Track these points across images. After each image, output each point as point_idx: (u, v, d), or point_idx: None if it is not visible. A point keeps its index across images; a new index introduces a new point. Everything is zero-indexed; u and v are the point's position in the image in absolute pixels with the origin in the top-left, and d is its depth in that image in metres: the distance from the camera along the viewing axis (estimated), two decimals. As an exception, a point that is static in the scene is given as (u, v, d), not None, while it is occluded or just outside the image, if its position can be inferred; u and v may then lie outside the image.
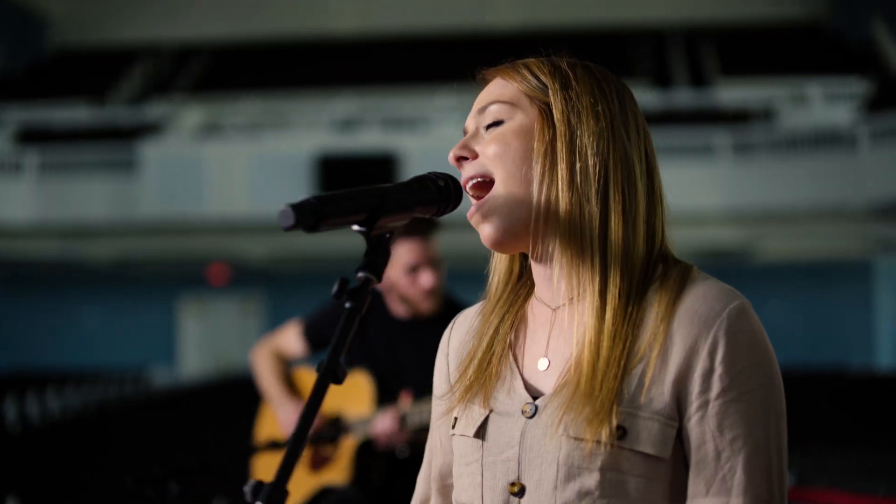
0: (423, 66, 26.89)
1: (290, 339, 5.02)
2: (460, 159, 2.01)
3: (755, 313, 1.90)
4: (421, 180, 1.93)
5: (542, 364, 1.99)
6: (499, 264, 2.13)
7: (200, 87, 28.97)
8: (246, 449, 4.45)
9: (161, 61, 31.10)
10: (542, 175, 1.93)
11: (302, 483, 4.86)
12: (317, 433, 4.73)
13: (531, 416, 1.93)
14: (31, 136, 25.82)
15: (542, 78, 2.00)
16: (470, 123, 2.05)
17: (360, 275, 1.75)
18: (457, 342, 2.18)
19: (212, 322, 27.95)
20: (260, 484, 1.52)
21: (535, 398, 1.95)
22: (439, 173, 1.96)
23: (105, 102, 28.50)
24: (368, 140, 23.29)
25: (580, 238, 1.92)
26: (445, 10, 30.67)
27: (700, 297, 1.89)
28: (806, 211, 22.00)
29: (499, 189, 1.95)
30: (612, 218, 1.92)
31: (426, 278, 4.63)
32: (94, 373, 23.72)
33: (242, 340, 26.47)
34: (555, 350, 1.98)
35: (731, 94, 25.58)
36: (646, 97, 25.77)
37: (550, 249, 1.97)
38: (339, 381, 1.65)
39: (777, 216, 22.17)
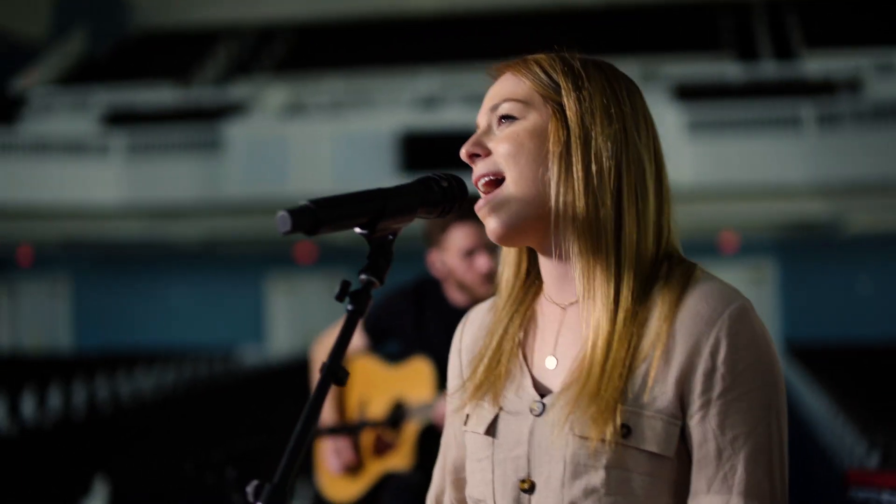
0: (506, 41, 26.77)
1: None
2: (472, 156, 2.03)
3: (757, 314, 1.93)
4: (424, 181, 1.94)
5: (551, 363, 2.02)
6: (507, 260, 2.15)
7: (283, 67, 29.07)
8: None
9: (244, 41, 31.24)
10: (559, 177, 1.95)
11: (366, 469, 4.88)
12: (380, 419, 4.75)
13: (539, 415, 1.97)
14: (117, 118, 26.04)
15: (555, 77, 2.01)
16: (482, 119, 2.07)
17: (363, 277, 1.79)
18: (469, 339, 2.21)
19: (300, 300, 28.04)
20: (262, 484, 1.56)
21: (543, 396, 1.99)
22: (442, 173, 1.97)
23: (190, 83, 28.68)
24: (451, 117, 23.22)
25: (595, 240, 1.94)
26: (527, -16, 30.53)
27: (702, 298, 1.91)
28: (894, 182, 21.70)
29: (509, 186, 1.97)
30: (626, 220, 1.94)
31: (482, 262, 4.57)
32: (183, 352, 23.90)
33: (330, 318, 26.40)
34: (563, 348, 2.02)
35: (817, 64, 25.26)
36: (731, 69, 25.54)
37: (565, 250, 1.98)
38: (340, 382, 1.68)
39: (865, 188, 21.86)
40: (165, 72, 28.82)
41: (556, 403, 1.94)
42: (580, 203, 1.93)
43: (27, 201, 24.62)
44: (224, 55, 30.72)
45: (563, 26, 27.29)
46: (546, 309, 2.07)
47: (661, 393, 1.88)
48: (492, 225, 1.99)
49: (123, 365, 19.59)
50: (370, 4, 31.00)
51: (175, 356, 22.66)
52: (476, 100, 24.77)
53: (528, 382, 2.02)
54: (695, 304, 1.91)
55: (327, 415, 5.01)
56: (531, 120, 1.98)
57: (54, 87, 28.83)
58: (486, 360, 2.09)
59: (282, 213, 1.66)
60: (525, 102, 2.00)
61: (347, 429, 4.73)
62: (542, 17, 28.38)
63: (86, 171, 24.77)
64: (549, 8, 29.52)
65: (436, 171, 1.99)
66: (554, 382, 2.00)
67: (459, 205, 1.98)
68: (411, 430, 4.77)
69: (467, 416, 2.09)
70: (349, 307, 1.76)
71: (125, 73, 28.88)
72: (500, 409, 2.03)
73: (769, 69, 25.89)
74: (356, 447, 4.88)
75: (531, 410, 1.98)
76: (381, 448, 4.87)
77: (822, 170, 22.00)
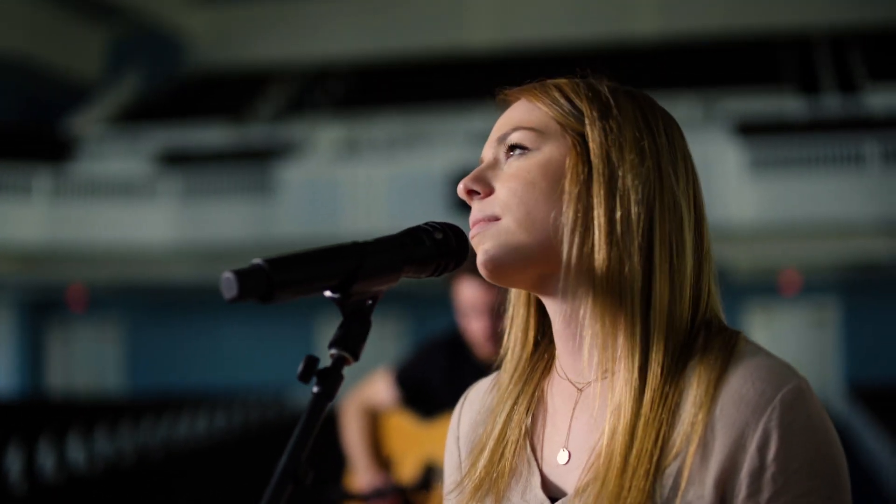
0: (562, 77, 26.61)
1: (381, 389, 4.72)
2: (471, 193, 1.65)
3: (815, 395, 1.56)
4: (413, 233, 1.58)
5: (562, 457, 1.65)
6: (513, 329, 1.76)
7: (337, 106, 29.01)
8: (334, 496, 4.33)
9: (298, 81, 31.22)
10: (575, 222, 1.59)
11: None
12: (410, 482, 4.48)
13: None
14: (170, 159, 26.12)
15: (577, 103, 1.65)
16: (487, 152, 1.70)
17: (333, 352, 1.45)
18: (468, 424, 1.84)
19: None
20: None
21: (554, 500, 1.62)
22: (437, 223, 1.61)
23: (244, 123, 28.66)
24: (507, 155, 23.01)
25: (619, 301, 1.59)
26: (584, 20, 30.37)
27: (747, 377, 1.55)
28: (960, 220, 21.30)
29: (514, 220, 1.61)
30: (658, 278, 1.59)
31: (476, 326, 4.23)
32: (234, 395, 23.80)
33: (381, 360, 26.35)
34: (577, 439, 1.65)
35: (881, 99, 24.89)
36: (792, 105, 25.21)
37: (581, 313, 1.63)
38: (300, 483, 1.33)
39: (931, 226, 21.47)
40: (220, 111, 28.87)
41: None
42: (600, 255, 1.58)
43: (80, 243, 24.66)
44: (278, 95, 30.71)
45: (621, 61, 27.12)
46: (558, 388, 1.71)
47: (697, 497, 1.51)
48: (482, 258, 1.62)
49: (172, 408, 19.46)
50: (424, 42, 30.91)
51: (225, 399, 22.56)
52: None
53: (537, 482, 1.65)
54: (739, 385, 1.54)
55: (360, 480, 4.76)
56: (546, 153, 1.62)
57: (108, 128, 28.89)
58: (487, 453, 1.72)
59: (227, 276, 1.33)
60: (539, 132, 1.64)
61: (378, 493, 4.42)
62: (599, 53, 28.18)
63: (138, 213, 24.87)
64: (606, 43, 29.31)
65: (431, 221, 1.62)
66: (567, 481, 1.63)
67: (458, 262, 1.61)
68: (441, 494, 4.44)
69: None
70: (315, 389, 1.42)
71: (179, 113, 28.97)
72: None
73: (832, 104, 25.54)
74: None
75: None
76: None
77: (885, 207, 21.65)
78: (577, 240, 1.58)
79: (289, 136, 27.15)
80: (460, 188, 1.65)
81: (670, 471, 1.52)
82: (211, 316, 28.31)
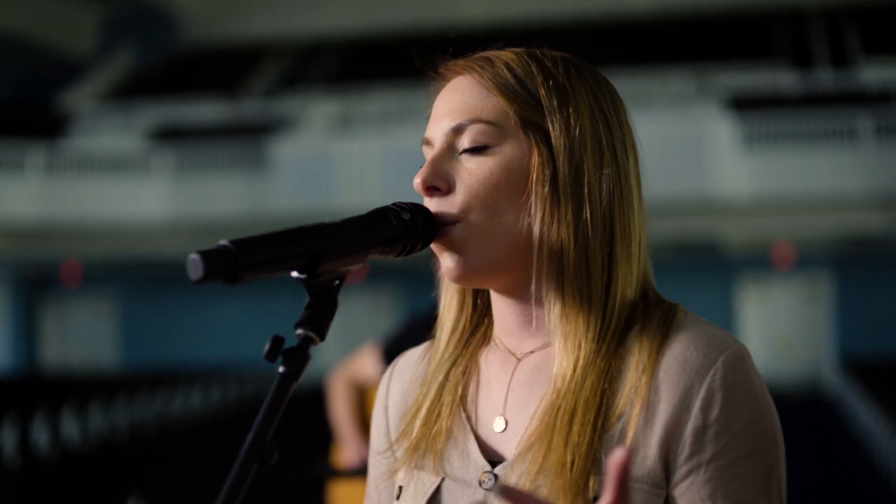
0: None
1: (368, 364, 4.78)
2: (432, 189, 1.63)
3: (753, 362, 1.58)
4: (382, 213, 1.58)
5: (499, 424, 1.65)
6: (449, 300, 1.75)
7: (330, 80, 28.93)
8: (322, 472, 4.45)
9: (291, 55, 31.13)
10: (542, 224, 1.57)
11: None
12: None
13: (490, 488, 1.60)
14: (164, 135, 26.04)
15: (534, 90, 1.61)
16: (436, 135, 1.67)
17: (299, 332, 1.44)
18: (398, 392, 1.82)
19: (348, 318, 27.87)
20: None
21: (493, 464, 1.62)
22: (405, 203, 1.60)
23: (237, 98, 28.59)
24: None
25: (585, 292, 1.58)
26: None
27: (690, 343, 1.56)
28: (955, 194, 21.28)
29: (476, 228, 1.59)
30: (618, 267, 1.60)
31: None
32: (229, 369, 23.80)
33: (371, 334, 26.33)
34: (514, 408, 1.65)
35: (875, 73, 24.85)
36: (786, 79, 25.17)
37: (543, 298, 1.61)
38: (265, 464, 1.34)
39: (925, 200, 21.45)
40: (213, 87, 28.78)
41: (512, 474, 1.58)
42: (569, 255, 1.58)
43: (73, 218, 24.63)
44: (271, 70, 30.63)
45: (615, 36, 27.08)
46: (493, 357, 1.70)
47: (642, 458, 1.52)
48: (448, 263, 1.61)
49: (167, 383, 19.46)
50: (417, 16, 30.79)
51: (220, 374, 22.56)
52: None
53: (474, 447, 1.65)
54: (682, 350, 1.56)
55: (348, 454, 4.78)
56: (507, 151, 1.59)
57: (101, 103, 28.82)
58: (423, 413, 1.71)
59: (193, 257, 1.34)
60: (498, 126, 1.60)
61: (365, 467, 4.47)
62: (593, 27, 28.12)
63: (132, 188, 24.83)
64: (600, 17, 29.24)
65: (399, 201, 1.61)
66: (505, 448, 1.63)
67: (425, 242, 1.60)
68: None
69: (400, 488, 1.70)
70: (282, 369, 1.41)
71: (172, 89, 28.87)
72: (444, 477, 1.65)
73: (825, 78, 25.49)
74: None
75: (480, 483, 1.61)
76: None
77: (879, 181, 21.63)
78: (546, 239, 1.58)
79: (282, 111, 27.10)
80: (418, 183, 1.63)
81: (613, 432, 1.53)
82: (205, 291, 28.28)
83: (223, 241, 1.37)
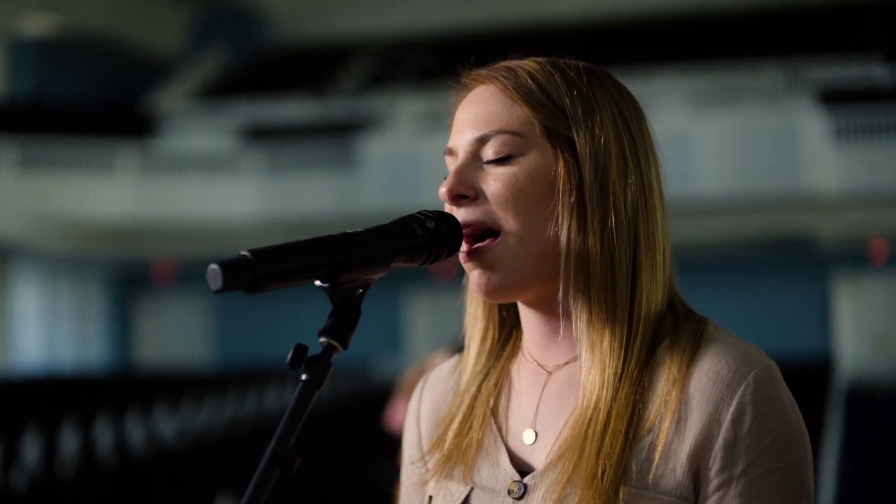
0: (643, 47, 26.41)
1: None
2: (458, 197, 1.63)
3: (782, 379, 1.60)
4: (405, 222, 1.60)
5: (529, 437, 1.68)
6: (474, 310, 1.80)
7: (418, 78, 28.97)
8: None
9: (378, 53, 31.21)
10: (568, 233, 1.58)
11: None
12: None
13: (520, 497, 1.62)
14: (253, 133, 26.20)
15: (559, 100, 1.61)
16: (460, 145, 1.68)
17: (322, 340, 1.49)
18: (430, 404, 1.86)
19: (439, 316, 27.92)
20: None
21: (522, 474, 1.64)
22: (430, 211, 1.61)
23: (325, 96, 28.70)
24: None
25: (611, 301, 1.60)
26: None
27: (721, 358, 1.59)
28: None
29: (509, 244, 1.59)
30: (643, 277, 1.62)
31: None
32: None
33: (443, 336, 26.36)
34: (544, 420, 1.67)
35: (971, 65, 24.47)
36: (879, 72, 24.85)
37: (570, 307, 1.63)
38: (286, 470, 1.36)
39: None
40: (302, 86, 28.90)
41: (541, 484, 1.60)
42: (595, 263, 1.59)
43: (165, 218, 24.87)
44: (359, 68, 30.71)
45: (705, 30, 26.89)
46: (525, 369, 1.72)
47: (671, 471, 1.54)
48: (481, 280, 1.62)
49: (259, 381, 19.59)
50: (508, 12, 30.75)
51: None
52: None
53: (505, 457, 1.67)
54: (713, 364, 1.58)
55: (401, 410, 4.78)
56: (532, 160, 1.61)
57: (191, 103, 29.05)
58: (455, 425, 1.73)
59: (213, 267, 1.37)
60: (523, 136, 1.61)
61: None
62: (683, 22, 27.92)
63: (223, 188, 25.05)
64: (690, 12, 29.01)
65: (424, 209, 1.62)
66: (535, 459, 1.65)
67: (451, 251, 1.61)
68: None
69: (430, 498, 1.71)
70: (304, 377, 1.44)
71: (262, 88, 29.04)
72: (472, 487, 1.67)
73: (919, 71, 25.13)
74: None
75: (510, 492, 1.62)
76: None
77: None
78: (573, 249, 1.58)
79: (371, 109, 27.17)
80: (444, 192, 1.64)
81: (643, 444, 1.54)
82: (299, 289, 28.44)
83: (243, 252, 1.40)
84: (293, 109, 27.65)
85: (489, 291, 1.63)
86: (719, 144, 21.92)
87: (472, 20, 30.85)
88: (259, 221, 24.71)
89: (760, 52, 25.25)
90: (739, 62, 24.93)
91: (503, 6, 30.98)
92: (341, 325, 1.50)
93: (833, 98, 22.91)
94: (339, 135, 25.34)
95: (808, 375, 17.77)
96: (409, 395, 4.91)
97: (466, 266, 1.65)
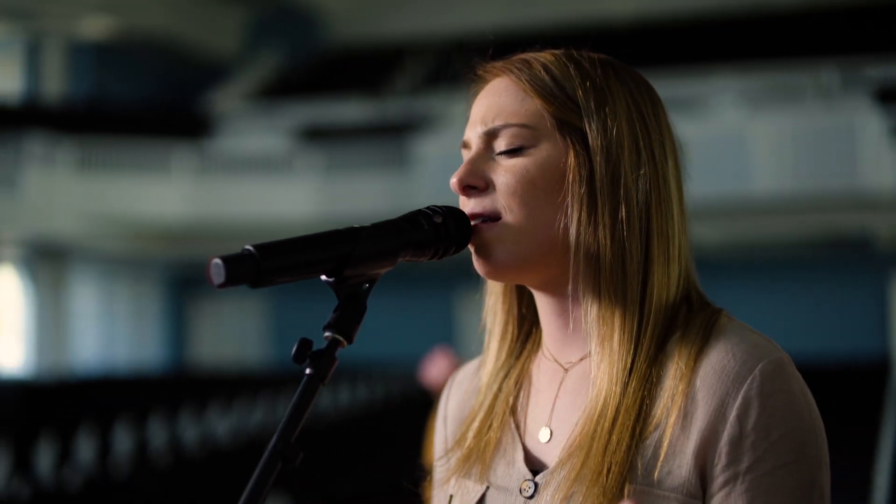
0: (699, 47, 26.28)
1: None
2: (468, 188, 1.65)
3: (796, 371, 1.57)
4: (412, 217, 1.61)
5: (544, 435, 1.69)
6: (493, 303, 1.78)
7: (473, 79, 28.96)
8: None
9: (433, 54, 31.23)
10: (578, 225, 1.57)
11: None
12: None
13: (531, 496, 1.63)
14: (309, 134, 26.29)
15: (572, 92, 1.61)
16: (473, 138, 1.71)
17: (327, 335, 1.48)
18: (455, 403, 1.86)
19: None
20: None
21: (535, 472, 1.66)
22: (438, 207, 1.64)
23: (380, 97, 28.75)
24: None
25: (621, 294, 1.60)
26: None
27: (728, 350, 1.56)
28: None
29: (509, 223, 1.59)
30: (654, 270, 1.61)
31: None
32: (376, 366, 23.94)
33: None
34: (559, 418, 1.68)
35: None
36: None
37: (579, 307, 1.64)
38: (289, 463, 1.37)
39: None
40: (357, 86, 28.96)
41: (551, 482, 1.60)
42: (605, 255, 1.58)
43: (221, 219, 24.97)
44: (414, 69, 30.74)
45: (762, 30, 26.73)
46: (544, 367, 1.72)
47: (677, 467, 1.53)
48: (478, 259, 1.63)
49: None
50: (562, 11, 30.67)
51: (366, 371, 22.71)
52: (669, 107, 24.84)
53: (520, 456, 1.68)
54: (719, 358, 1.56)
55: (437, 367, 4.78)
56: (543, 151, 1.61)
57: (247, 104, 29.17)
58: (476, 423, 1.74)
59: (216, 261, 1.38)
60: (533, 128, 1.61)
61: None
62: (740, 21, 27.79)
63: (279, 188, 25.16)
64: (747, 11, 28.85)
65: (433, 205, 1.64)
66: (549, 457, 1.66)
67: (458, 246, 1.61)
68: None
69: (451, 496, 1.72)
70: (308, 371, 1.45)
71: (317, 89, 29.12)
72: (488, 486, 1.68)
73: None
74: None
75: (521, 491, 1.64)
76: None
77: None
78: (582, 240, 1.58)
79: (426, 110, 27.19)
80: (455, 183, 1.67)
81: (650, 441, 1.53)
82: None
83: (247, 246, 1.40)
84: (348, 110, 27.72)
85: (486, 270, 1.63)
86: (776, 144, 21.76)
87: (527, 20, 30.79)
88: (314, 222, 24.76)
89: (817, 50, 25.07)
90: (796, 61, 24.76)
91: (559, 5, 30.92)
92: (346, 319, 1.49)
93: (890, 97, 22.71)
94: (395, 135, 25.38)
95: (865, 376, 17.64)
96: (446, 352, 4.90)
97: (471, 246, 1.64)
